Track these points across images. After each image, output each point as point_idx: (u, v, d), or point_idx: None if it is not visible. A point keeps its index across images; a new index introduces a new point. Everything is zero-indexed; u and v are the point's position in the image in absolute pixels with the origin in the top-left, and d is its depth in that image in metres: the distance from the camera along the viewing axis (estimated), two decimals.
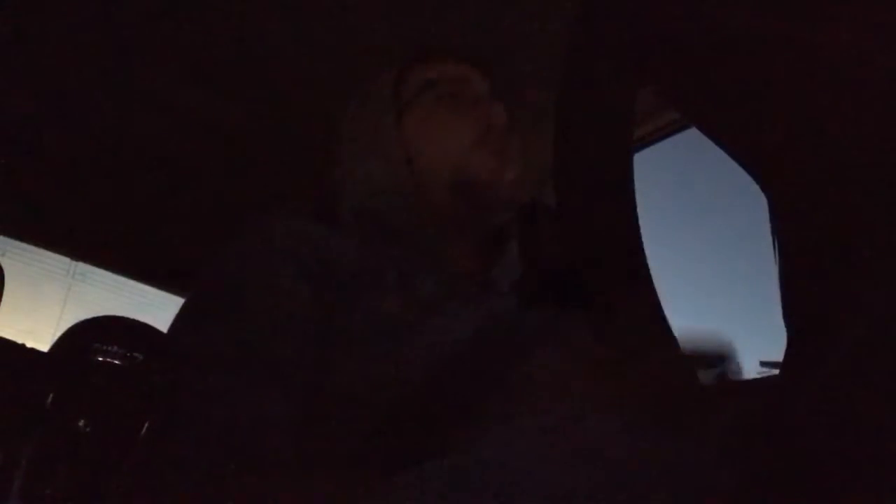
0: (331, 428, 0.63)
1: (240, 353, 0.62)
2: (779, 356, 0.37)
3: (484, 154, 0.79)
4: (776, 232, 0.38)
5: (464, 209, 0.80)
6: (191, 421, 0.58)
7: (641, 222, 0.44)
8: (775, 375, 0.40)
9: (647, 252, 0.44)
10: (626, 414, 0.39)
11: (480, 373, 0.66)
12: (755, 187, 0.41)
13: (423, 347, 0.66)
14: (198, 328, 0.65)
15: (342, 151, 0.87)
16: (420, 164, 0.80)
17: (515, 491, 0.36)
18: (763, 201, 0.41)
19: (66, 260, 2.33)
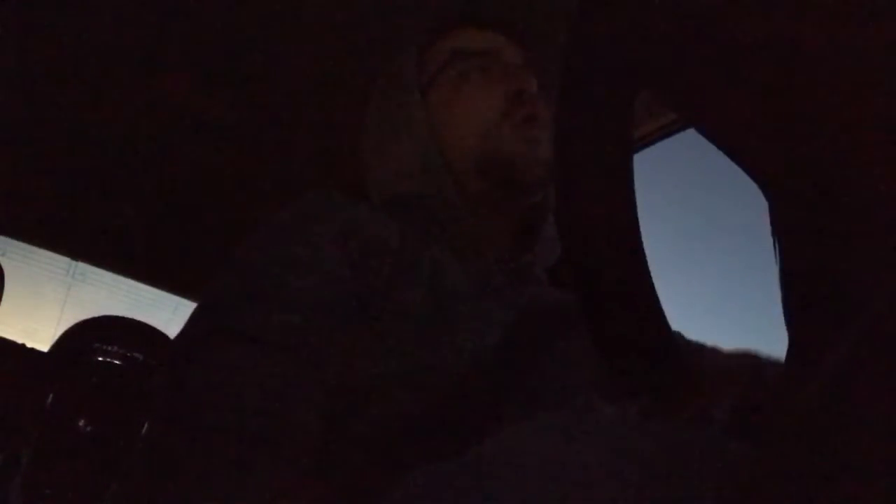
0: (354, 419, 0.61)
1: (279, 333, 0.59)
2: (778, 356, 0.37)
3: (513, 126, 0.73)
4: (776, 232, 0.38)
5: (496, 191, 0.75)
6: (217, 400, 0.56)
7: (641, 222, 0.44)
8: (779, 370, 0.40)
9: (648, 252, 0.44)
10: (643, 405, 0.39)
11: (507, 377, 0.64)
12: (755, 187, 0.41)
13: (450, 347, 0.63)
14: (240, 304, 0.62)
15: (368, 137, 0.83)
16: (448, 142, 0.75)
17: (533, 486, 0.36)
18: (763, 201, 0.41)
19: (66, 260, 2.33)
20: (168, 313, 2.50)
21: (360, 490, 0.54)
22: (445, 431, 0.58)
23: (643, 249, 0.43)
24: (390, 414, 0.60)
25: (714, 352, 0.62)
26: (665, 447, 0.35)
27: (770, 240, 0.38)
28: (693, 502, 0.32)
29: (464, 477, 0.38)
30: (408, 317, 0.63)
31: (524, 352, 0.66)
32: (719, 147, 0.44)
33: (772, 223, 0.38)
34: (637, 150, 1.27)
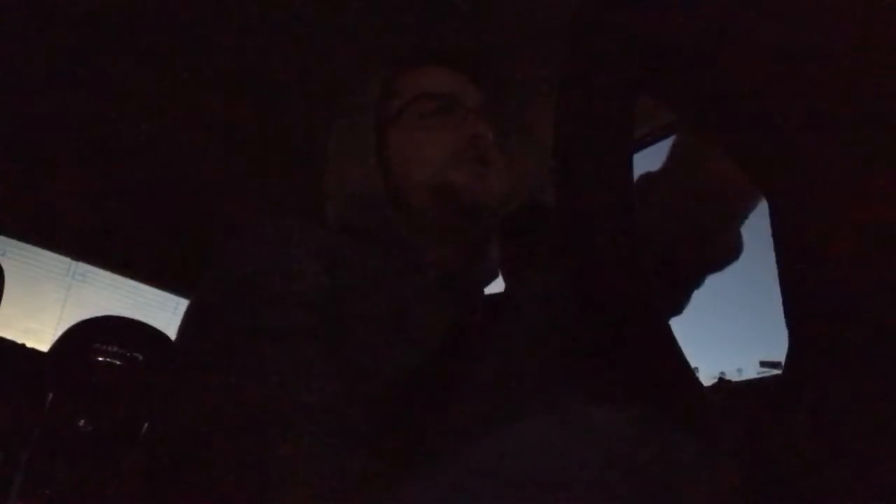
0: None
1: (264, 333, 0.64)
2: (779, 356, 0.37)
3: (462, 166, 0.80)
4: (777, 232, 0.38)
5: (444, 213, 0.81)
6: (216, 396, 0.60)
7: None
8: (776, 375, 0.40)
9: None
10: (636, 411, 0.39)
11: (452, 369, 0.69)
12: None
13: (396, 346, 0.69)
14: (222, 310, 0.67)
15: (328, 159, 0.89)
16: (401, 174, 0.82)
17: (530, 484, 0.36)
18: (763, 201, 0.40)
19: (66, 260, 2.33)
20: (168, 313, 2.50)
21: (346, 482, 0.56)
22: (399, 418, 0.63)
23: (643, 249, 0.43)
24: (351, 405, 0.64)
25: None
26: (656, 460, 0.36)
27: (770, 240, 0.38)
28: None
29: (451, 483, 0.38)
30: (362, 323, 0.69)
31: (468, 347, 0.71)
32: (720, 148, 0.44)
33: (772, 224, 0.38)
34: (637, 150, 1.27)
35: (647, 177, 0.73)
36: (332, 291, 0.70)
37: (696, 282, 0.78)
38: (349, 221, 0.83)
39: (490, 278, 0.89)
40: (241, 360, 0.62)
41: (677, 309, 0.78)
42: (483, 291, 0.87)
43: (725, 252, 0.75)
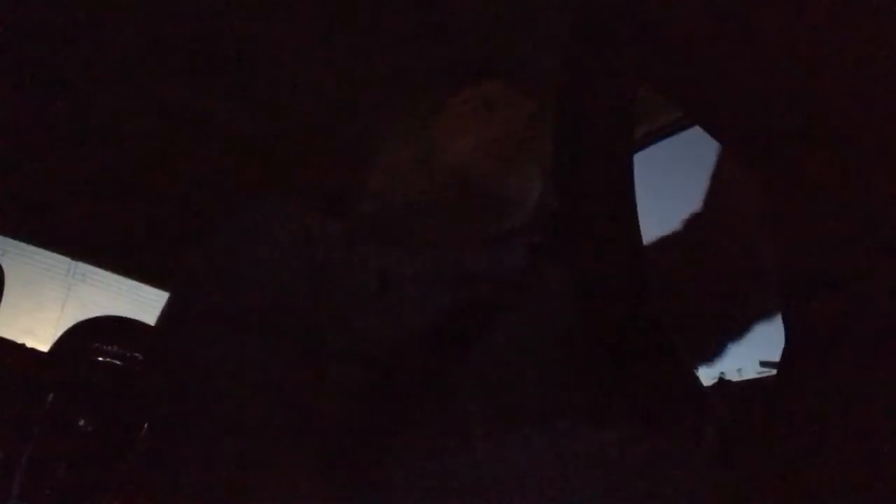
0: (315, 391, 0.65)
1: (237, 316, 0.65)
2: (779, 356, 0.37)
3: (487, 159, 0.82)
4: (769, 223, 0.38)
5: (470, 209, 0.83)
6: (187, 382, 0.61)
7: (641, 223, 0.44)
8: (775, 375, 0.40)
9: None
10: (619, 416, 0.39)
11: (451, 353, 0.69)
12: None
13: (394, 325, 0.70)
14: (197, 294, 0.70)
15: (380, 154, 0.92)
16: (435, 163, 0.84)
17: (507, 493, 0.36)
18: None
19: (66, 260, 2.33)
20: None
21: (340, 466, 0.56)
22: (391, 401, 0.64)
23: (643, 249, 0.43)
24: (343, 384, 0.64)
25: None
26: (651, 482, 0.36)
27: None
28: None
29: (436, 480, 0.38)
30: (350, 298, 0.70)
31: (469, 331, 0.72)
32: (720, 142, 0.44)
33: (766, 217, 0.38)
34: (637, 150, 1.27)
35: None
36: (312, 272, 0.70)
37: (738, 329, 0.77)
38: (383, 223, 0.84)
39: (510, 275, 0.87)
40: (203, 347, 0.63)
41: (714, 355, 0.77)
42: (496, 286, 0.84)
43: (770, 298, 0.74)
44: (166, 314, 0.72)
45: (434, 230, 0.81)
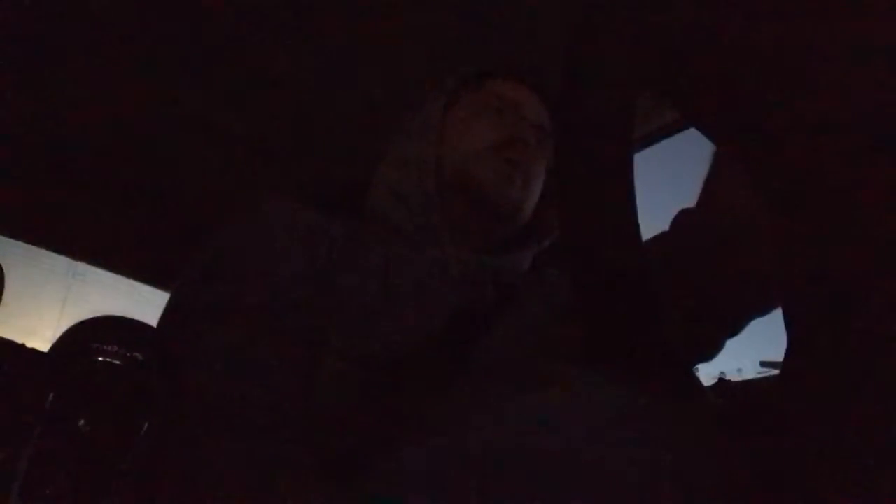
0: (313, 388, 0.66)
1: (238, 315, 0.66)
2: (779, 356, 0.37)
3: (490, 162, 0.81)
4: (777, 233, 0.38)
5: (463, 206, 0.82)
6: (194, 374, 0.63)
7: (641, 223, 0.44)
8: (775, 375, 0.40)
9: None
10: (617, 407, 0.39)
11: (453, 351, 0.70)
12: None
13: (394, 324, 0.70)
14: (198, 294, 0.70)
15: (391, 145, 0.90)
16: (443, 153, 0.83)
17: (496, 478, 0.36)
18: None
19: (66, 260, 2.34)
20: None
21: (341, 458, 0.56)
22: (391, 401, 0.64)
23: (643, 250, 0.43)
24: (339, 383, 0.64)
25: None
26: (662, 435, 0.36)
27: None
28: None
29: (424, 466, 0.38)
30: (351, 296, 0.70)
31: (471, 329, 0.72)
32: (718, 144, 0.44)
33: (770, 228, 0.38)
34: (637, 150, 1.27)
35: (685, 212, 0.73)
36: (313, 270, 0.71)
37: (736, 326, 0.76)
38: (384, 214, 0.83)
39: (514, 274, 0.87)
40: (203, 343, 0.64)
41: (713, 351, 0.77)
42: (500, 284, 0.85)
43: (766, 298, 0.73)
44: (167, 314, 0.71)
45: (436, 229, 0.81)
